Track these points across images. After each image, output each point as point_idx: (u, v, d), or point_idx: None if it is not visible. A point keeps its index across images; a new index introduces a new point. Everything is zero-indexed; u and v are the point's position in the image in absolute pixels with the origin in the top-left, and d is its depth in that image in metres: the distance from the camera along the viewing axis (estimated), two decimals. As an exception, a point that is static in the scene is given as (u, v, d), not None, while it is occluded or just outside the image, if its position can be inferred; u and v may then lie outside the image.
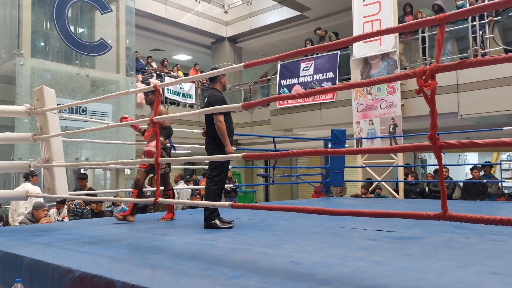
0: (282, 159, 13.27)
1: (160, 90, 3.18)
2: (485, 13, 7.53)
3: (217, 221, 3.74)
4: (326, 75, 9.77)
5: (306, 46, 10.79)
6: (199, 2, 14.39)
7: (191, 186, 9.12)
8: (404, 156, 8.94)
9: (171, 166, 4.90)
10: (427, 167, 13.71)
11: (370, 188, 8.55)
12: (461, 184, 8.23)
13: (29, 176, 6.05)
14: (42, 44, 8.99)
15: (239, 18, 14.96)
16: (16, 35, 8.06)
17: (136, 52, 10.89)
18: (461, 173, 14.83)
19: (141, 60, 12.05)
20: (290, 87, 10.36)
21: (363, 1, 8.90)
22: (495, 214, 1.62)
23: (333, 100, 9.62)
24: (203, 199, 7.81)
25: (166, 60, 13.00)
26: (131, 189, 4.97)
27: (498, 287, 1.82)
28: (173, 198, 4.80)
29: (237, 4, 15.52)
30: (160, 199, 3.08)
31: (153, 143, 3.98)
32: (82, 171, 7.24)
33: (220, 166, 3.84)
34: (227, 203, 2.55)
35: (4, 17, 8.56)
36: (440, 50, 1.75)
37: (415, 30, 8.41)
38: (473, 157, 16.03)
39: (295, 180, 12.09)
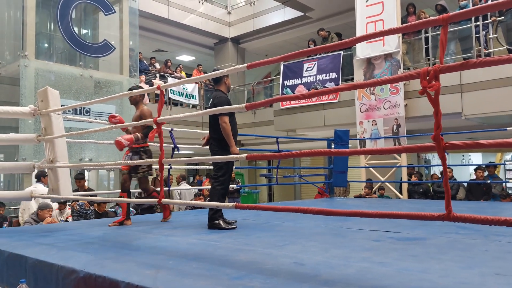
0: (285, 159, 13.25)
1: (164, 91, 3.19)
2: (489, 13, 7.51)
3: (221, 222, 3.75)
4: (329, 75, 9.77)
5: (309, 47, 10.79)
6: (202, 3, 14.42)
7: (192, 186, 9.13)
8: (408, 157, 8.93)
9: (174, 166, 4.86)
10: (431, 167, 13.69)
11: (374, 189, 8.53)
12: (465, 184, 8.20)
13: (41, 176, 6.05)
14: (46, 45, 9.04)
15: (242, 19, 14.98)
16: (20, 36, 8.10)
17: (140, 53, 10.93)
18: (464, 174, 14.79)
19: (145, 61, 12.09)
20: (293, 87, 10.36)
21: (366, 2, 8.89)
22: (500, 215, 1.61)
23: (336, 101, 9.62)
24: (207, 199, 7.77)
25: (169, 61, 13.03)
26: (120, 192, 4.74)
27: (503, 288, 1.81)
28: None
29: (240, 5, 15.53)
30: (164, 200, 3.09)
31: (127, 136, 4.01)
32: (84, 171, 7.26)
33: (225, 166, 3.86)
34: (230, 204, 2.55)
35: (9, 19, 8.61)
36: (444, 51, 1.75)
37: (418, 30, 8.39)
38: (477, 157, 15.97)
39: (299, 180, 12.09)
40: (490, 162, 9.97)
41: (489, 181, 7.50)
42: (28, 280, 2.49)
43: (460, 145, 1.69)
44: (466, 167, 14.63)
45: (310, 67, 10.15)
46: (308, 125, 10.28)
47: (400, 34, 8.43)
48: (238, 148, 3.81)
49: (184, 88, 12.49)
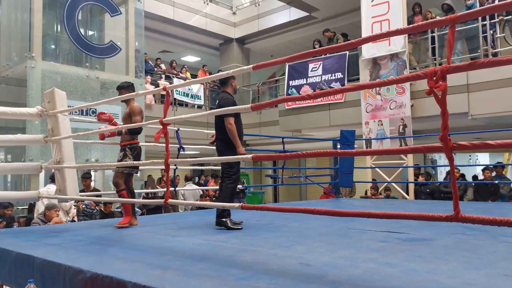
0: (291, 159, 13.24)
1: (170, 92, 3.20)
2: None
3: (228, 221, 3.78)
4: (334, 75, 9.74)
5: (314, 47, 10.77)
6: (207, 4, 14.44)
7: (195, 187, 9.14)
8: (414, 157, 8.88)
9: (180, 167, 4.84)
10: (438, 167, 13.60)
11: (380, 189, 8.50)
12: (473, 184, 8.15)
13: (55, 177, 6.07)
14: (53, 46, 9.10)
15: (247, 19, 14.98)
16: (27, 38, 8.17)
17: (145, 54, 10.97)
18: (471, 173, 14.68)
19: (150, 62, 12.14)
20: (298, 87, 10.34)
21: (372, 1, 8.86)
22: (508, 216, 1.60)
23: (342, 101, 9.59)
24: (213, 199, 7.76)
25: (174, 62, 13.07)
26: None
27: (511, 290, 1.80)
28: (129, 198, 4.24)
29: (245, 5, 15.55)
30: (170, 200, 3.10)
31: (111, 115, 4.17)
32: (90, 171, 7.28)
33: (235, 164, 3.93)
34: (237, 204, 2.56)
35: (16, 21, 8.68)
36: (451, 51, 1.74)
37: (425, 30, 8.34)
38: (484, 158, 15.86)
39: (304, 181, 12.06)
40: (498, 163, 9.90)
41: (496, 182, 7.45)
42: (36, 280, 2.51)
43: (468, 146, 1.68)
44: (472, 167, 14.52)
45: (316, 67, 10.13)
46: (314, 125, 10.26)
47: (406, 34, 8.40)
48: (244, 149, 3.83)
49: (189, 89, 12.52)
